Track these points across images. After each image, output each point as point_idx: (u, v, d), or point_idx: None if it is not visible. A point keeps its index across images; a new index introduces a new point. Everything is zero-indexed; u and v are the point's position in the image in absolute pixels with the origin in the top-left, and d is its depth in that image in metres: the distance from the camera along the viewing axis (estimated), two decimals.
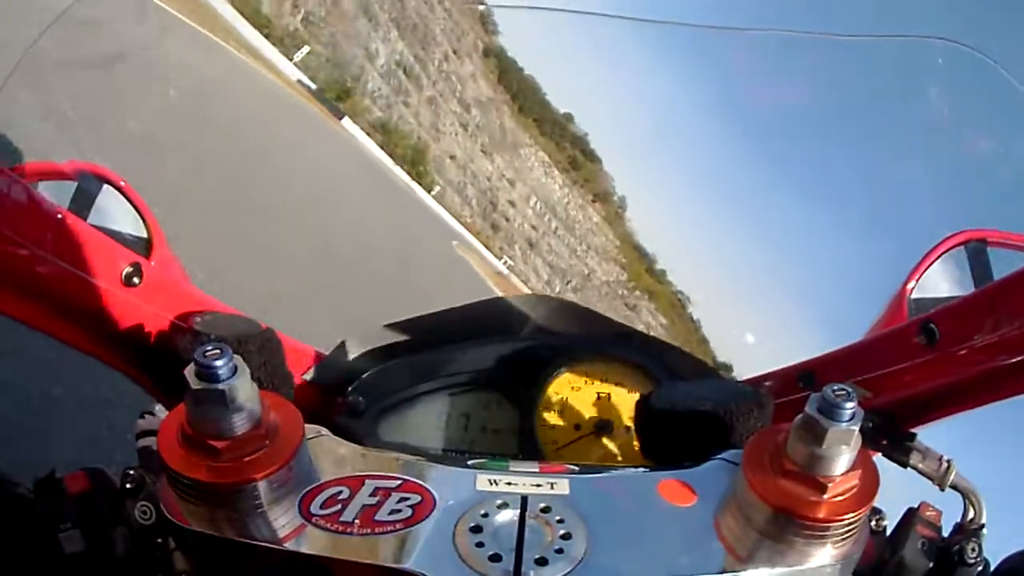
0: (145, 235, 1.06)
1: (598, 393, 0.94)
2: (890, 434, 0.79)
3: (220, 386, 0.54)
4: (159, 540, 0.65)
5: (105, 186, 1.05)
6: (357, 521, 0.57)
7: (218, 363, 0.54)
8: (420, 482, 0.60)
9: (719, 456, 0.66)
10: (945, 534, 0.73)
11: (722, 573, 0.56)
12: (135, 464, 0.68)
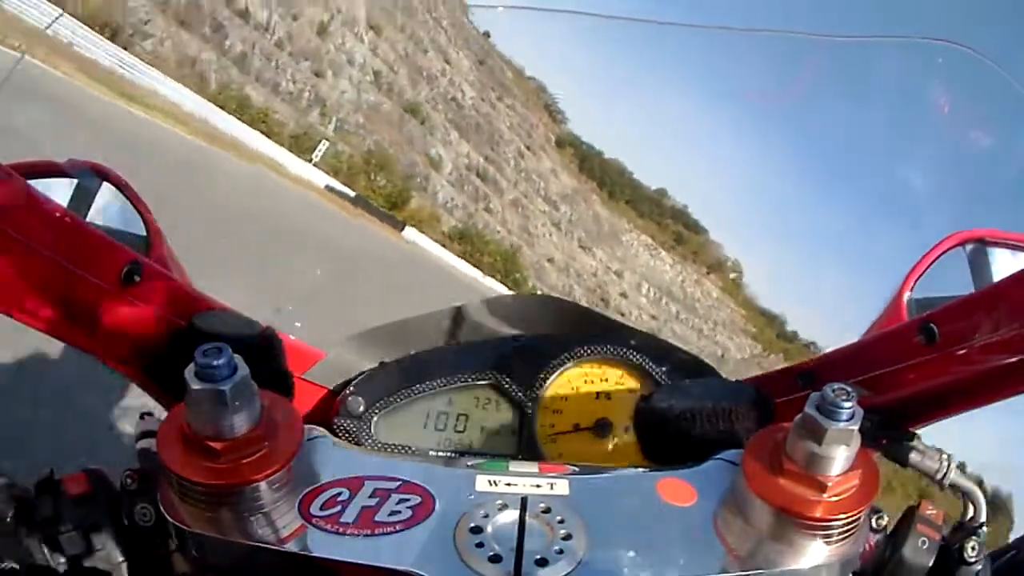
0: (144, 233, 1.06)
1: (598, 393, 0.94)
2: (890, 433, 0.79)
3: (220, 386, 0.54)
4: (159, 541, 0.65)
5: (104, 184, 1.05)
6: (357, 522, 0.57)
7: (218, 363, 0.54)
8: (420, 483, 0.60)
9: (719, 456, 0.67)
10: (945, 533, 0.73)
11: (722, 572, 0.56)
12: (135, 465, 0.68)
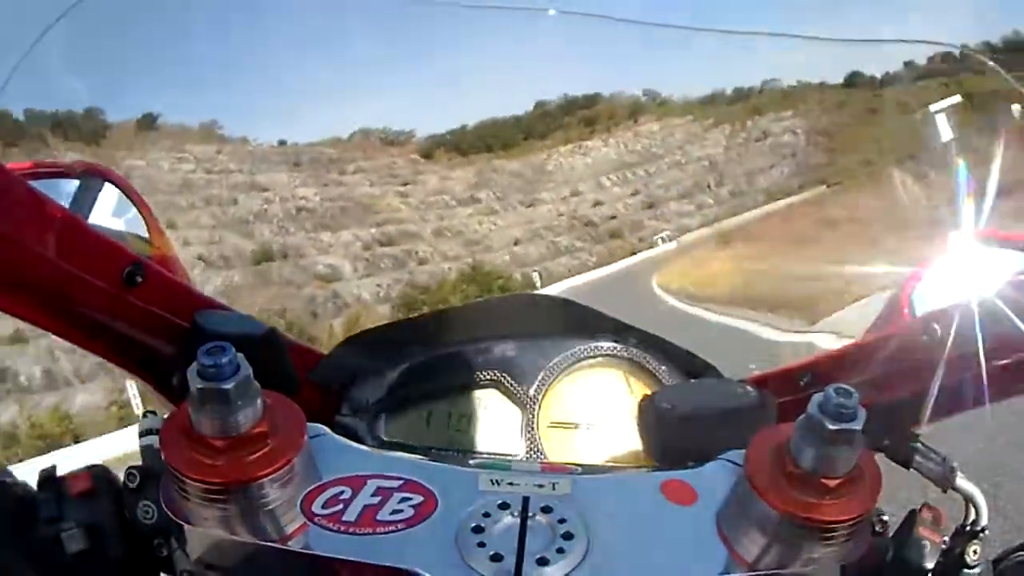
0: (146, 234, 1.06)
1: (600, 393, 0.94)
2: (892, 434, 0.79)
3: (222, 385, 0.54)
4: (161, 539, 0.65)
5: (106, 185, 1.05)
6: (359, 521, 0.57)
7: (220, 362, 0.54)
8: (422, 482, 0.60)
9: (721, 456, 0.66)
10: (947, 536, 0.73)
11: (724, 573, 0.56)
12: (138, 463, 0.68)
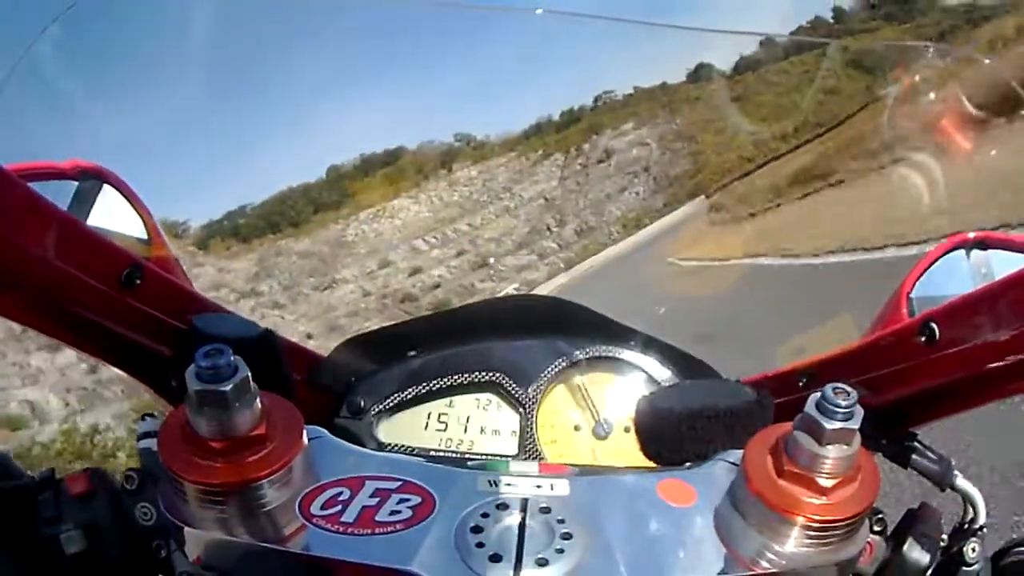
0: (145, 236, 1.06)
1: (598, 393, 0.94)
2: (890, 434, 0.79)
3: (220, 387, 0.54)
4: (160, 540, 0.65)
5: (105, 186, 1.05)
6: (357, 522, 0.57)
7: (218, 364, 0.54)
8: (421, 483, 0.60)
9: (719, 457, 0.67)
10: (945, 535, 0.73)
11: (722, 573, 0.56)
12: (136, 466, 0.68)
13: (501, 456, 0.91)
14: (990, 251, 1.04)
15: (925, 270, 1.06)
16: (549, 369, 0.93)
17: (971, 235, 1.07)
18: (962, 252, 1.06)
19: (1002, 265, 1.00)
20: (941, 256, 1.07)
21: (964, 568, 0.70)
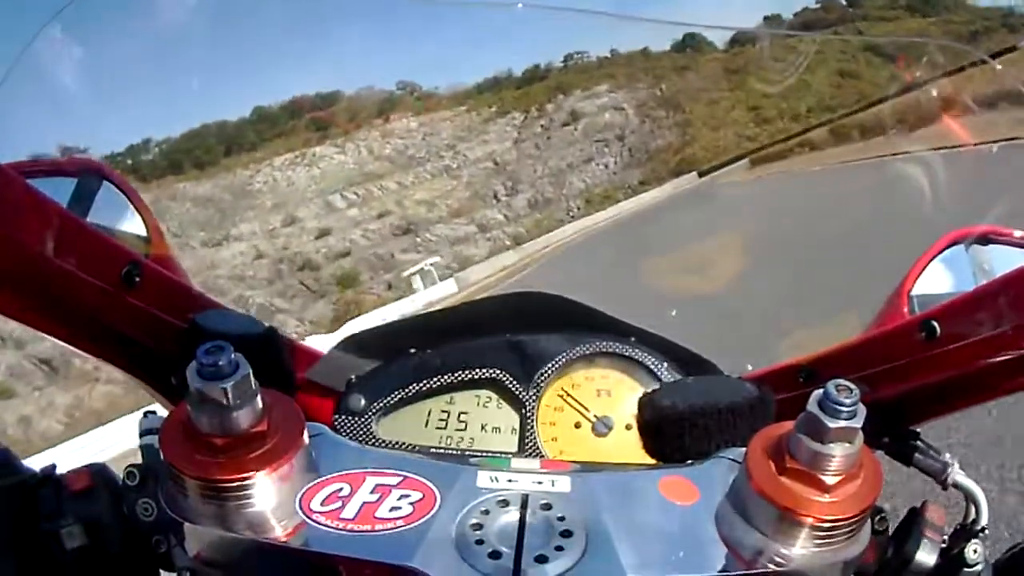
0: (145, 233, 1.06)
1: (599, 390, 0.94)
2: (892, 432, 0.79)
3: (221, 384, 0.54)
4: (160, 536, 0.65)
5: (105, 183, 1.05)
6: (357, 518, 0.57)
7: (219, 361, 0.54)
8: (421, 479, 0.60)
9: (721, 454, 0.67)
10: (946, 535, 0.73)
11: (723, 572, 0.56)
12: (137, 462, 0.68)
13: (502, 453, 0.91)
14: (990, 247, 1.04)
15: (925, 267, 1.06)
16: (550, 366, 0.93)
17: (971, 230, 1.06)
18: (962, 248, 1.06)
19: (1002, 261, 1.00)
20: (941, 252, 1.07)
21: (966, 569, 0.70)
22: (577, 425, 0.93)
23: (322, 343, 1.03)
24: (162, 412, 0.77)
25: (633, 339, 0.96)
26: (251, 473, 0.55)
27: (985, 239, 1.05)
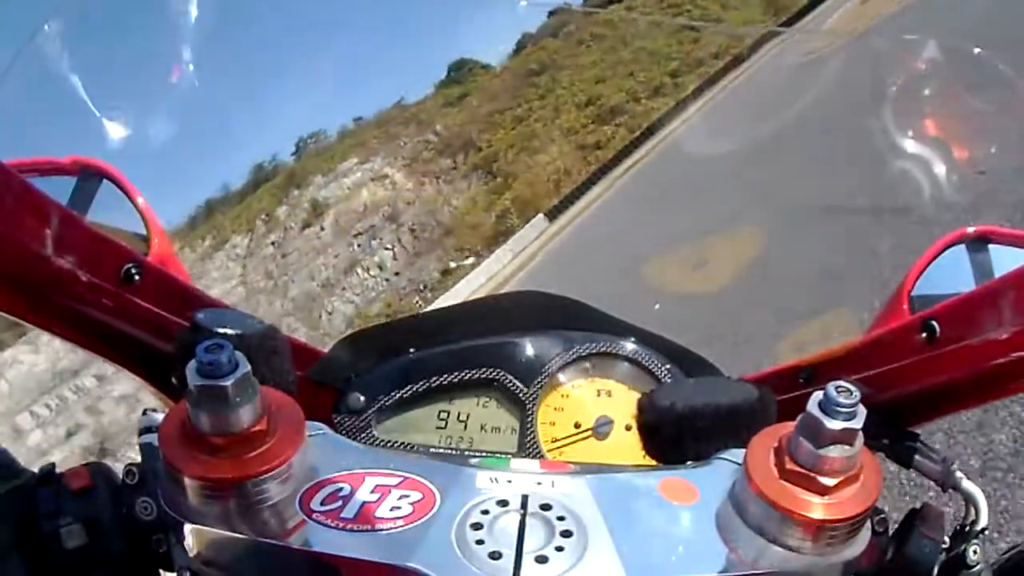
0: (145, 232, 1.06)
1: (599, 391, 0.94)
2: (892, 433, 0.79)
3: (221, 382, 0.54)
4: (160, 536, 0.65)
5: (105, 182, 1.05)
6: (357, 518, 0.57)
7: (219, 359, 0.54)
8: (421, 479, 0.60)
9: (721, 455, 0.66)
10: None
11: (723, 572, 0.56)
12: (137, 461, 0.68)
13: (502, 452, 0.91)
14: (991, 246, 1.04)
15: (926, 267, 1.06)
16: (550, 366, 0.93)
17: (971, 230, 1.06)
18: (963, 248, 1.06)
19: (1002, 260, 1.00)
20: (941, 252, 1.07)
21: (965, 571, 0.69)
22: (577, 425, 0.93)
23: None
24: (162, 409, 0.77)
25: (633, 339, 0.96)
26: (250, 472, 0.55)
27: (985, 239, 1.05)
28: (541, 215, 18.45)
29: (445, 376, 0.93)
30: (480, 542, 0.55)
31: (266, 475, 0.56)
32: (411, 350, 0.96)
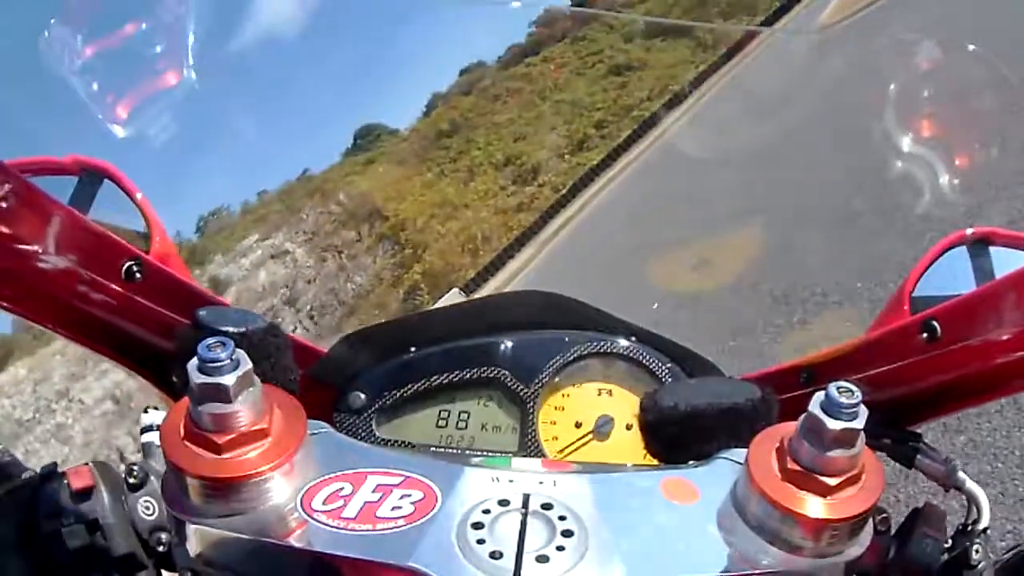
0: (146, 230, 1.06)
1: (600, 390, 0.94)
2: (893, 433, 0.79)
3: (223, 380, 0.54)
4: (162, 535, 0.65)
5: (106, 181, 1.05)
6: (358, 517, 0.57)
7: (221, 357, 0.54)
8: (422, 479, 0.60)
9: (722, 455, 0.66)
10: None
11: (724, 573, 0.56)
12: (139, 459, 0.68)
13: (503, 452, 0.91)
14: (991, 248, 1.04)
15: (927, 268, 1.06)
16: (551, 365, 0.93)
17: (971, 231, 1.07)
18: (964, 249, 1.06)
19: (1003, 262, 1.00)
20: (942, 253, 1.07)
21: (967, 570, 0.69)
22: (578, 424, 0.93)
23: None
24: (163, 408, 0.77)
25: (634, 339, 0.96)
26: (252, 471, 0.55)
27: (985, 240, 1.05)
28: (456, 289, 16.88)
29: (446, 375, 0.93)
30: (481, 541, 0.55)
31: (267, 473, 0.56)
32: (412, 349, 0.96)
